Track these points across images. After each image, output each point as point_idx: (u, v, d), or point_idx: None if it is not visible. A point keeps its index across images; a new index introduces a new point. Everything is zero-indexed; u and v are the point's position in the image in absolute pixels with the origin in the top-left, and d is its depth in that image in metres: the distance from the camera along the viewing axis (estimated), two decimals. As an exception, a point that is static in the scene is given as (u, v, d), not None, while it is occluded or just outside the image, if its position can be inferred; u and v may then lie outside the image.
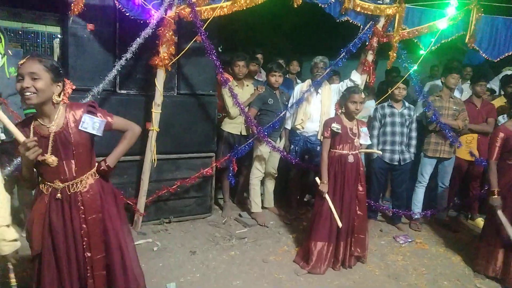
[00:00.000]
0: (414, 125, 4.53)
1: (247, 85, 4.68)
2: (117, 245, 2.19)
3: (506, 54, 4.42)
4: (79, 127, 2.06)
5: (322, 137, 3.57)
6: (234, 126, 4.55)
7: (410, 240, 4.31)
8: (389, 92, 4.45)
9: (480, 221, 4.84)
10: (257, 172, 4.53)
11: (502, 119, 4.77)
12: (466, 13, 4.16)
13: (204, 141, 4.35)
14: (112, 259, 2.18)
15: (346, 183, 3.46)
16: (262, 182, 4.70)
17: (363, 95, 3.48)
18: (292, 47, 7.43)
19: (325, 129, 3.47)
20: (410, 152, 4.52)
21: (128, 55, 3.50)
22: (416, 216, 4.69)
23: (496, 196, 3.35)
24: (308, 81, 4.60)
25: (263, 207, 4.71)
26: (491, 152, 3.48)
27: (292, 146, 4.70)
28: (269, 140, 4.29)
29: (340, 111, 3.53)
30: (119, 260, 2.20)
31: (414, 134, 4.53)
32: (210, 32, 3.74)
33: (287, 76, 6.17)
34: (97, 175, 2.20)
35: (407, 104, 4.57)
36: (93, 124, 2.09)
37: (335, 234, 3.48)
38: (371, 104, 4.93)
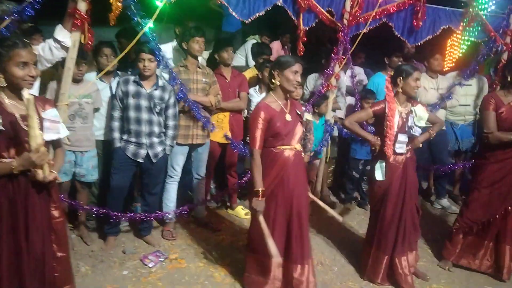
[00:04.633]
0: (171, 111, 3.40)
1: None
2: None
3: (257, 15, 3.72)
4: None
5: None
6: None
7: (162, 259, 3.25)
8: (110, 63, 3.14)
9: (240, 210, 4.25)
10: None
11: (254, 92, 4.22)
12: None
13: None
14: None
15: (29, 213, 2.01)
16: None
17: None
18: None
19: None
20: (164, 145, 3.41)
21: None
22: (169, 219, 3.67)
23: (260, 199, 2.57)
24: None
25: None
26: (253, 138, 2.63)
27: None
28: None
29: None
30: None
31: (171, 122, 3.41)
32: None
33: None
34: None
35: (161, 82, 3.35)
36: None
37: None
38: (91, 77, 3.49)
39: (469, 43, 4.72)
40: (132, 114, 3.28)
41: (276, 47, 6.12)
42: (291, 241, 2.68)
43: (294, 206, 2.65)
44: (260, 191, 2.56)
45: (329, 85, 4.27)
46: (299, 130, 2.71)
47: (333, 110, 4.49)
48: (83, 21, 2.84)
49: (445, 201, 4.72)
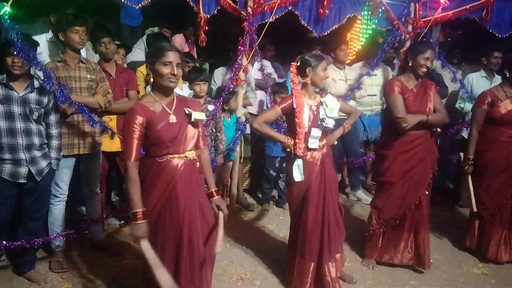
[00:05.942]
0: (53, 117, 2.82)
1: None
2: None
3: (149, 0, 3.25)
4: None
5: None
6: None
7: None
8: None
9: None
10: None
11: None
12: None
13: None
14: None
15: None
16: None
17: None
18: None
19: None
20: (49, 159, 2.79)
21: None
22: (57, 247, 3.04)
23: (139, 222, 2.09)
24: None
25: None
26: (126, 149, 2.15)
27: None
28: None
29: None
30: None
31: (54, 131, 2.83)
32: None
33: None
34: None
35: (37, 83, 2.74)
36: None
37: None
38: None
39: (371, 31, 4.71)
40: (2, 124, 2.62)
41: (179, 40, 5.69)
42: (180, 273, 2.21)
43: (184, 230, 2.18)
44: (138, 213, 2.08)
45: (237, 79, 3.93)
46: (190, 133, 2.25)
47: (244, 107, 4.17)
48: None
49: (360, 193, 4.68)
